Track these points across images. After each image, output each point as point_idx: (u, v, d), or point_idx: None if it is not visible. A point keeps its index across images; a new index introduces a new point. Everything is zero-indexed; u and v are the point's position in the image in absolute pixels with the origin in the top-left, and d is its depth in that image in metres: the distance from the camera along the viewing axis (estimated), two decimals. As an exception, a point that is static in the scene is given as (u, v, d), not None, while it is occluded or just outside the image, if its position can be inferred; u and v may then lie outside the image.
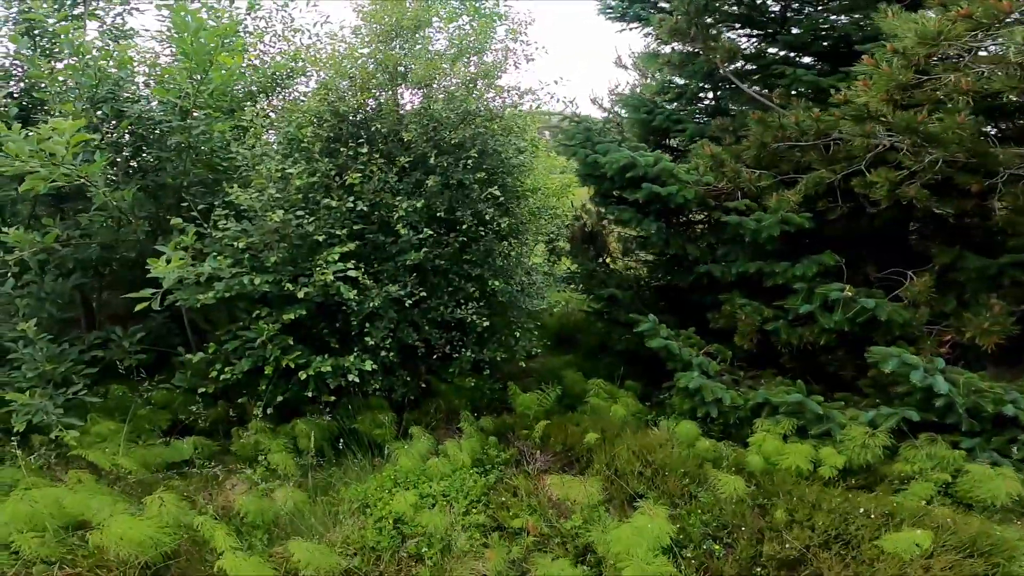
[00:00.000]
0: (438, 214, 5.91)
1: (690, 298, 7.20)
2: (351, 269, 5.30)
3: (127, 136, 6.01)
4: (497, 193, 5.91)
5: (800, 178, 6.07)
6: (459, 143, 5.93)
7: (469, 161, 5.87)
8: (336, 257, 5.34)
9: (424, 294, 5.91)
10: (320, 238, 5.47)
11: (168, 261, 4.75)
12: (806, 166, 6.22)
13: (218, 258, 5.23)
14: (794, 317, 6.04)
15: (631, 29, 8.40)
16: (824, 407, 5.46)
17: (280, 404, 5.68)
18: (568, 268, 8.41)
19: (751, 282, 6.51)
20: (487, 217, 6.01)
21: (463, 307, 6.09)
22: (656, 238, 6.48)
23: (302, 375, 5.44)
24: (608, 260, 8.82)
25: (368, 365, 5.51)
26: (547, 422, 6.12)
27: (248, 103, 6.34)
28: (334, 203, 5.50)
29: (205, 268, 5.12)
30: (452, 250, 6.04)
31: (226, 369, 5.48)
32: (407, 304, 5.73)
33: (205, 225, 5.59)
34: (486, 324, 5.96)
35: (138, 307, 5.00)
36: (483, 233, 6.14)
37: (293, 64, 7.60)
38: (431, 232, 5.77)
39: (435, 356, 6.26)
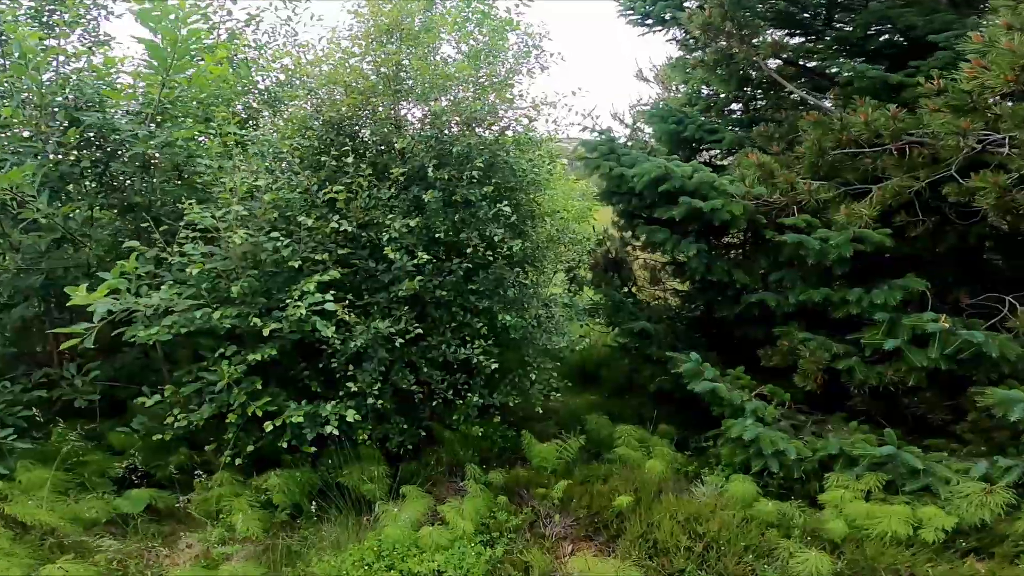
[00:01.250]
0: (438, 235, 4.84)
1: (733, 332, 6.01)
2: (329, 301, 4.22)
3: (87, 148, 5.06)
4: (508, 211, 4.82)
5: (872, 188, 4.89)
6: (464, 153, 4.88)
7: (475, 173, 4.80)
8: (313, 287, 4.27)
9: (421, 331, 4.79)
10: (296, 263, 4.42)
11: (92, 289, 3.71)
12: (876, 175, 5.05)
13: (173, 288, 4.20)
14: (872, 353, 4.81)
15: (654, 32, 7.37)
16: (923, 459, 4.23)
17: (253, 453, 4.58)
18: (590, 298, 7.27)
19: (811, 312, 5.31)
20: (496, 239, 4.91)
21: (469, 345, 4.96)
22: (696, 263, 5.32)
23: (268, 426, 4.35)
24: (634, 289, 7.67)
25: (351, 415, 4.40)
26: (568, 482, 4.94)
27: (225, 107, 5.37)
28: (311, 222, 4.46)
29: (154, 300, 4.08)
30: (455, 279, 4.94)
31: (180, 416, 4.42)
32: (399, 343, 4.62)
33: (168, 249, 4.58)
34: (495, 366, 4.81)
35: (64, 344, 3.97)
36: (492, 259, 5.04)
37: (294, 80, 6.72)
38: (429, 257, 4.68)
39: (436, 401, 5.11)
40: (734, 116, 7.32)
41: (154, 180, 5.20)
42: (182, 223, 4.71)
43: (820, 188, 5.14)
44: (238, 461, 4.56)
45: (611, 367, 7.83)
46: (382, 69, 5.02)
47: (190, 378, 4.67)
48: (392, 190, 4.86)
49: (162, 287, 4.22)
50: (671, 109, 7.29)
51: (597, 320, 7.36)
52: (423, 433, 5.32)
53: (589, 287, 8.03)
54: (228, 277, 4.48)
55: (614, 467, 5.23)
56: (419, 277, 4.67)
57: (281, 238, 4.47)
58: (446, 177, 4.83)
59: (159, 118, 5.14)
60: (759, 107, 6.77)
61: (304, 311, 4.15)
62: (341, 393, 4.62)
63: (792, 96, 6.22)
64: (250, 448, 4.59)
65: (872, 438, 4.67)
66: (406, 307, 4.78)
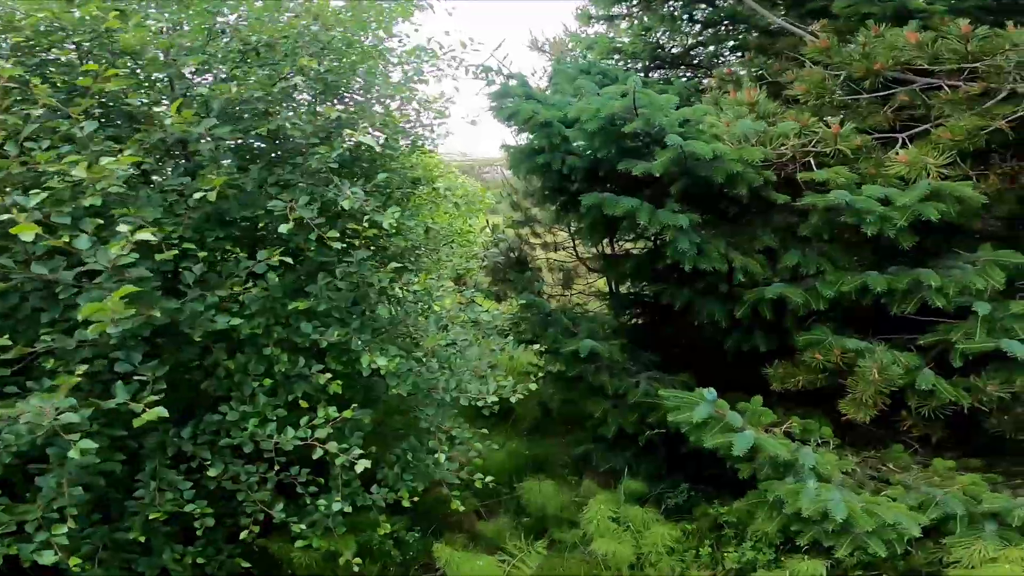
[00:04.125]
0: (225, 211, 2.17)
1: (719, 343, 3.88)
2: None
3: None
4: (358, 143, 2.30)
5: (929, 131, 2.98)
6: (270, 44, 2.28)
7: (297, 79, 2.22)
8: None
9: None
10: None
11: None
12: (923, 116, 3.17)
13: None
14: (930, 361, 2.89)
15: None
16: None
17: None
18: (498, 312, 4.85)
19: (840, 309, 3.31)
20: (347, 207, 2.33)
21: (309, 417, 2.33)
22: (685, 243, 3.11)
23: None
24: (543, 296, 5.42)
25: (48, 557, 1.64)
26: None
27: None
28: None
29: None
30: (264, 292, 2.29)
31: None
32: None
33: None
34: (360, 462, 2.25)
35: None
36: (344, 249, 2.45)
37: None
38: (195, 250, 2.01)
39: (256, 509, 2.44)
40: (681, 63, 5.30)
41: None
42: None
43: (851, 132, 3.15)
44: None
45: (526, 398, 5.46)
46: None
47: None
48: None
49: None
50: (590, 64, 5.10)
51: (507, 339, 4.96)
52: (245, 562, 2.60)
53: (484, 296, 5.65)
54: None
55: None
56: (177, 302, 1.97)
57: None
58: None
59: None
60: (715, 50, 4.76)
61: None
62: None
63: (767, 29, 4.27)
64: None
65: (983, 484, 2.73)
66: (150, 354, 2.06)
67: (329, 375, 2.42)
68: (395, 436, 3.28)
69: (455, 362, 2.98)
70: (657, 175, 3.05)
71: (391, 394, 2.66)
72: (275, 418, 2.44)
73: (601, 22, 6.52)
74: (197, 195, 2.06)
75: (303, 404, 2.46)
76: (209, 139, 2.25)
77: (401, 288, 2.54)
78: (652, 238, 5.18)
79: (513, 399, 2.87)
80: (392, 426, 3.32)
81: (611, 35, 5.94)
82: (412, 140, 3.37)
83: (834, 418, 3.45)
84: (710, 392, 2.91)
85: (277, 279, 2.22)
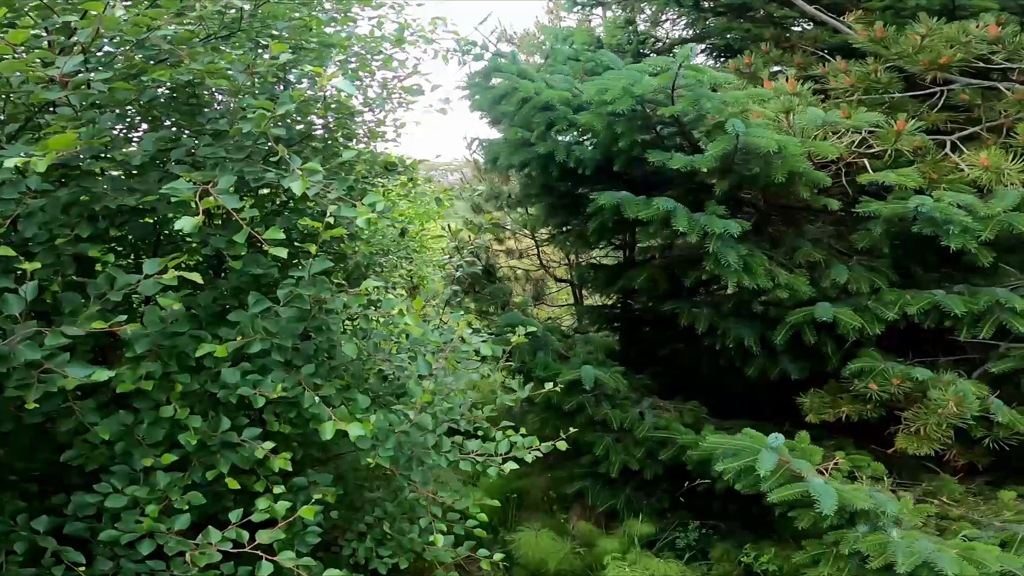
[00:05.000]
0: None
1: (732, 366, 3.27)
2: None
3: None
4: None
5: (979, 133, 2.50)
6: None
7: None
8: None
9: None
10: None
11: None
12: (978, 118, 2.69)
13: None
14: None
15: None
16: None
17: None
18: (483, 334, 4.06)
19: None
20: (307, 203, 1.52)
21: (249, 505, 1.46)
22: (731, 255, 2.42)
23: None
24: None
25: None
26: None
27: None
28: None
29: None
30: (163, 320, 1.41)
31: None
32: None
33: None
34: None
35: None
36: (294, 258, 1.60)
37: None
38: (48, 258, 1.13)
39: None
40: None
41: None
42: None
43: (914, 130, 2.60)
44: None
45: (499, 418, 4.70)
46: None
47: None
48: None
49: None
50: (577, 52, 4.40)
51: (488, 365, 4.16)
52: None
53: (450, 308, 4.84)
54: None
55: None
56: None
57: None
58: None
59: None
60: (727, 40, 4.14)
61: None
62: None
63: (793, 27, 3.72)
64: None
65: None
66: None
67: (270, 444, 1.56)
68: (361, 497, 2.44)
69: (442, 413, 2.17)
70: (704, 169, 2.37)
71: (364, 464, 1.82)
72: (186, 506, 1.55)
73: (575, 13, 5.90)
74: (40, 167, 1.16)
75: (231, 484, 1.58)
76: (71, 91, 1.35)
77: (375, 317, 1.72)
78: (625, 247, 4.59)
79: (529, 458, 2.10)
80: (358, 484, 2.47)
81: (592, 25, 5.32)
82: (375, 121, 2.55)
83: (871, 448, 2.96)
84: (775, 438, 2.25)
85: (178, 304, 1.34)
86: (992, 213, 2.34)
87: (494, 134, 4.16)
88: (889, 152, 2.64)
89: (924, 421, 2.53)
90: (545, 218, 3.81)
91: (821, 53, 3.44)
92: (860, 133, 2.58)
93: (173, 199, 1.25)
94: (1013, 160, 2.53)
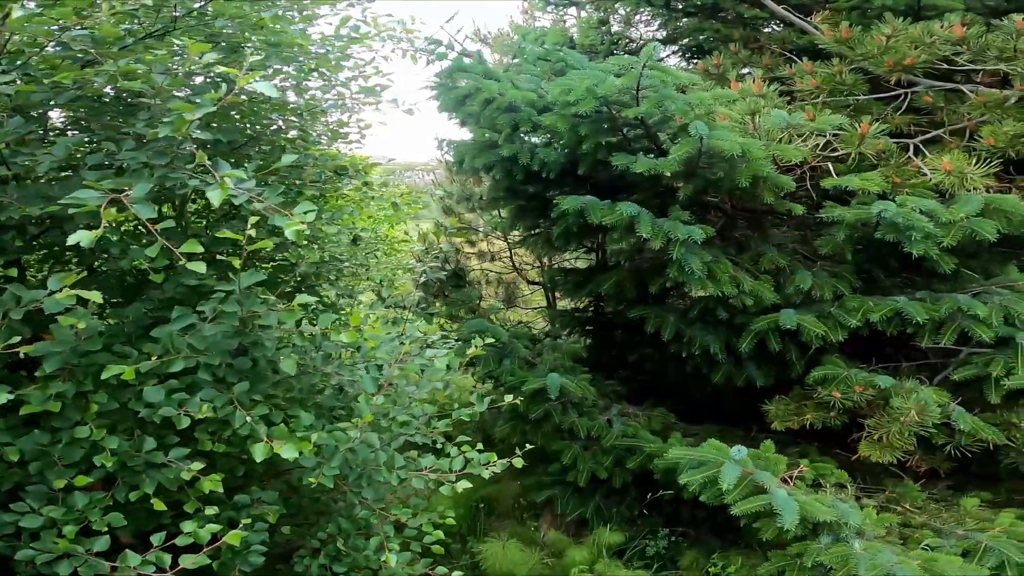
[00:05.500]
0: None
1: (699, 372, 3.22)
2: None
3: None
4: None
5: (942, 137, 2.47)
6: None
7: None
8: None
9: None
10: None
11: None
12: (941, 121, 2.67)
13: None
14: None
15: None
16: None
17: None
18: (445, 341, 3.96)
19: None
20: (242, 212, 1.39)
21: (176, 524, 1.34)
22: (693, 262, 2.36)
23: None
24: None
25: None
26: None
27: None
28: None
29: None
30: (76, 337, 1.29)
31: None
32: None
33: None
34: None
35: None
36: (224, 270, 1.48)
37: None
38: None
39: None
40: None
41: None
42: None
43: (877, 133, 2.57)
44: None
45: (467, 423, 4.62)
46: None
47: None
48: None
49: None
50: (547, 52, 4.31)
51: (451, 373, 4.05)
52: None
53: (421, 318, 4.74)
54: None
55: None
56: None
57: None
58: None
59: None
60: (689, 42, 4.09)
61: None
62: None
63: (763, 27, 3.67)
64: None
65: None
66: None
67: (199, 465, 1.44)
68: (316, 511, 2.33)
69: (397, 422, 2.06)
70: (668, 173, 2.29)
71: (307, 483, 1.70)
72: (105, 528, 1.43)
73: (549, 13, 5.83)
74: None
75: (157, 506, 1.46)
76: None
77: (320, 330, 1.60)
78: (597, 250, 4.52)
79: (486, 474, 2.00)
80: (314, 498, 2.35)
81: (565, 25, 5.24)
82: (336, 122, 2.43)
83: (835, 453, 2.94)
84: (738, 451, 2.19)
85: (83, 323, 1.22)
86: (955, 219, 2.31)
87: (464, 134, 4.07)
88: (853, 156, 2.60)
89: (886, 429, 2.51)
90: (512, 221, 3.72)
91: (789, 54, 3.41)
92: (824, 136, 2.53)
93: (74, 209, 1.12)
94: (976, 164, 2.51)
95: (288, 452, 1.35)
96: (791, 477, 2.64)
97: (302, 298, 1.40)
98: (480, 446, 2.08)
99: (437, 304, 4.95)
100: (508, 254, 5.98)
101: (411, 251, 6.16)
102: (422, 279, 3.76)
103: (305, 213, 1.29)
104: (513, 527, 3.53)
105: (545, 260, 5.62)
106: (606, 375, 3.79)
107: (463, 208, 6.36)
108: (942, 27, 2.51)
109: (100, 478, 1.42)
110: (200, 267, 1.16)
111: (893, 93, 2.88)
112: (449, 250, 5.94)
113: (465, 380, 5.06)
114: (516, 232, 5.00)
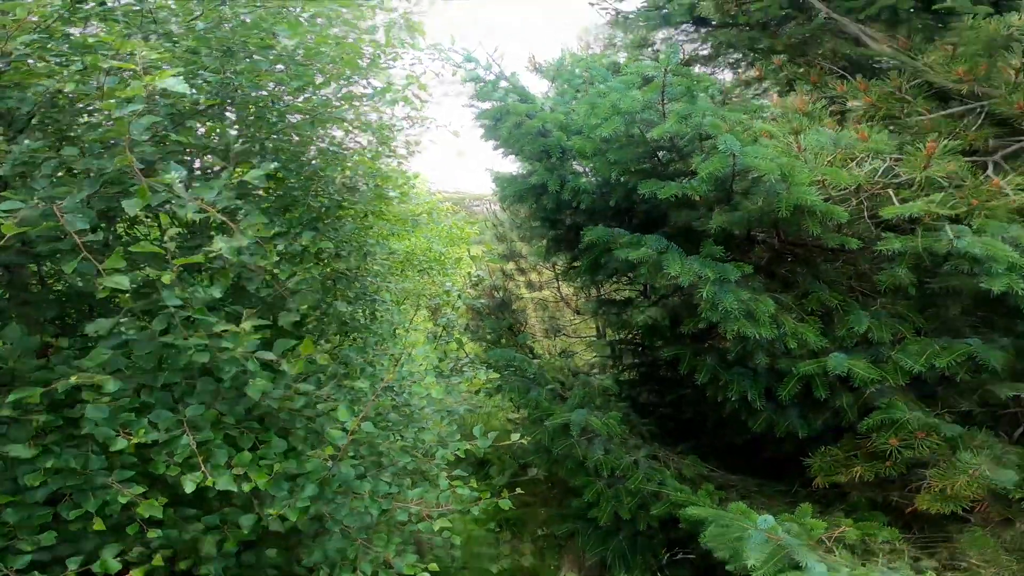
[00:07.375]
0: None
1: (736, 417, 2.80)
2: None
3: None
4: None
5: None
6: None
7: None
8: None
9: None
10: None
11: None
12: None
13: None
14: None
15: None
16: None
17: None
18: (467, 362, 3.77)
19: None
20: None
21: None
22: (728, 301, 2.02)
23: None
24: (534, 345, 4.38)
25: None
26: None
27: None
28: None
29: None
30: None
31: None
32: None
33: None
34: None
35: None
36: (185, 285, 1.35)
37: None
38: None
39: None
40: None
41: None
42: None
43: (946, 152, 2.14)
44: None
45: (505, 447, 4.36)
46: None
47: None
48: None
49: None
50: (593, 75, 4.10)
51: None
52: None
53: (462, 342, 4.58)
54: None
55: None
56: None
57: None
58: None
59: None
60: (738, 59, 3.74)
61: None
62: None
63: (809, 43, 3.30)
64: None
65: None
66: None
67: (139, 489, 1.29)
68: (313, 532, 2.15)
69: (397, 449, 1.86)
70: (697, 197, 1.99)
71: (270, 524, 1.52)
72: (31, 547, 1.30)
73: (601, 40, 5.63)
74: None
75: (97, 526, 1.32)
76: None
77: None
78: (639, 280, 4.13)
79: (476, 511, 1.75)
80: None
81: (608, 52, 5.03)
82: (377, 136, 2.31)
83: (886, 502, 2.43)
84: (764, 520, 1.81)
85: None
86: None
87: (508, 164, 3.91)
88: (919, 180, 2.18)
89: (951, 480, 2.02)
90: (548, 252, 3.47)
91: (840, 71, 3.00)
92: (883, 159, 2.13)
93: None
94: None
95: (224, 484, 1.17)
96: (831, 538, 2.18)
97: (247, 323, 1.24)
98: (473, 482, 1.83)
99: (484, 327, 4.76)
100: (556, 283, 5.74)
101: (467, 273, 6.07)
102: (460, 305, 3.59)
103: (310, 239, 1.14)
104: (533, 563, 3.22)
105: (592, 290, 5.32)
106: (644, 412, 3.43)
107: (516, 235, 6.22)
108: (1021, 19, 2.07)
109: (47, 496, 1.30)
110: (123, 282, 1.02)
111: (967, 107, 2.43)
112: (497, 277, 5.80)
113: (492, 406, 4.82)
114: (560, 262, 4.76)
